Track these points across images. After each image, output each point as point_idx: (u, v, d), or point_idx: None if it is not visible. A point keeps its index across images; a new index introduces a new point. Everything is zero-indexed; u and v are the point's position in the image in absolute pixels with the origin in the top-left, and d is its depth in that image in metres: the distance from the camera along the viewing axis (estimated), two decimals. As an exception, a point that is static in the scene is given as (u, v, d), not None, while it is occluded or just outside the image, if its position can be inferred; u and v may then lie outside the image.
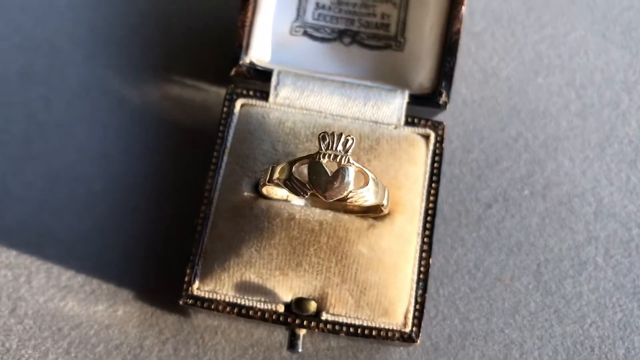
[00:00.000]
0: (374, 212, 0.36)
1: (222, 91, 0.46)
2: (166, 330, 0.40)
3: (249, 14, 0.41)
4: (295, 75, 0.41)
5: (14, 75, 0.46)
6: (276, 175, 0.34)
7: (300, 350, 0.37)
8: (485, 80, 0.48)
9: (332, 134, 0.33)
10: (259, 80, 0.41)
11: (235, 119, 0.40)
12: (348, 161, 0.32)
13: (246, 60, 0.42)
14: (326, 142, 0.33)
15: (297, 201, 0.37)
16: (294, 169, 0.33)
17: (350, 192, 0.32)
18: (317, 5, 0.45)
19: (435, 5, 0.43)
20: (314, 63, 0.44)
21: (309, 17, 0.45)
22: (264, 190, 0.36)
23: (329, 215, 0.36)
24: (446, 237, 0.43)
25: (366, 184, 0.33)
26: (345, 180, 0.32)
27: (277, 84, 0.40)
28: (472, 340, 0.41)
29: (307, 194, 0.32)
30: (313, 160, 0.32)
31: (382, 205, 0.34)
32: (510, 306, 0.42)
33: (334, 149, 0.33)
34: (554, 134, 0.47)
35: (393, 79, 0.43)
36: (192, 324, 0.40)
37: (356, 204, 0.33)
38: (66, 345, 0.39)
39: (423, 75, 0.42)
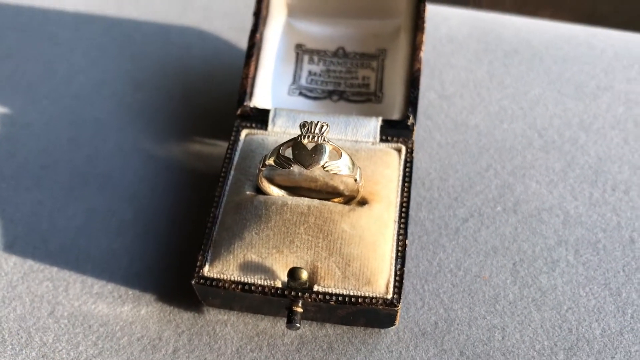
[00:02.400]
0: (353, 198, 0.43)
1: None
2: (182, 325, 0.45)
3: (252, 69, 0.52)
4: (289, 111, 0.50)
5: (64, 141, 0.56)
6: (268, 156, 0.41)
7: (298, 325, 0.41)
8: (457, 128, 0.57)
9: (311, 122, 0.41)
10: (260, 118, 0.50)
11: (240, 144, 0.49)
12: (324, 139, 0.40)
13: (250, 104, 0.51)
14: (306, 128, 0.41)
15: (290, 199, 0.44)
16: (281, 150, 0.41)
17: (326, 162, 0.40)
18: (310, 73, 0.56)
19: (404, 65, 0.53)
20: (305, 108, 0.53)
21: (303, 82, 0.55)
22: (262, 183, 0.43)
23: (316, 201, 0.43)
24: (429, 245, 0.49)
25: (339, 156, 0.40)
26: (321, 153, 0.40)
27: (274, 116, 0.50)
28: (457, 326, 0.45)
29: (291, 166, 0.40)
30: (296, 142, 0.40)
31: (356, 181, 0.41)
32: (490, 297, 0.46)
33: (312, 132, 0.41)
34: (521, 164, 0.54)
35: (367, 113, 0.52)
36: (205, 319, 0.45)
37: (332, 172, 0.40)
38: (94, 338, 0.45)
39: (395, 113, 0.51)
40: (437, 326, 0.45)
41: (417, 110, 0.50)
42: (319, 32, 0.56)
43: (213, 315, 0.45)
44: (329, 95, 0.55)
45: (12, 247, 0.49)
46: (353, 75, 0.55)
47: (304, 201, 0.43)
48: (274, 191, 0.44)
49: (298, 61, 0.56)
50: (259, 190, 0.45)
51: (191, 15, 0.64)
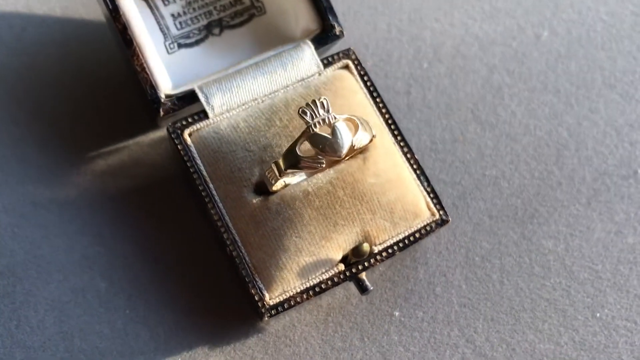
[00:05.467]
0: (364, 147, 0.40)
1: (139, 140, 0.47)
2: (256, 353, 0.42)
3: (140, 55, 0.42)
4: (216, 82, 0.42)
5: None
6: (283, 166, 0.36)
7: (371, 288, 0.41)
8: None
9: (308, 105, 0.36)
10: (188, 105, 0.42)
11: (193, 149, 0.41)
12: (335, 118, 0.36)
13: (161, 95, 0.43)
14: (308, 114, 0.36)
15: (296, 179, 0.40)
16: (297, 151, 0.36)
17: (352, 140, 0.36)
18: (173, 16, 0.46)
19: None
20: (206, 66, 0.45)
21: (173, 30, 0.46)
22: (275, 187, 0.38)
23: (331, 172, 0.40)
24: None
25: (356, 127, 0.37)
26: (344, 133, 0.36)
27: (207, 98, 0.42)
28: (470, 196, 0.48)
29: (323, 164, 0.36)
30: (310, 134, 0.36)
31: (374, 136, 0.38)
32: (476, 154, 0.49)
33: (318, 115, 0.36)
34: (412, 6, 0.53)
35: (279, 40, 0.46)
36: (271, 334, 0.43)
37: (358, 148, 0.37)
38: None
39: (302, 23, 0.46)
40: (457, 206, 0.47)
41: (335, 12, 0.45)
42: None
43: (275, 325, 0.43)
44: (208, 31, 0.47)
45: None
46: (216, -5, 0.47)
47: (321, 179, 0.39)
48: (279, 184, 0.40)
49: (154, 11, 0.46)
50: (260, 191, 0.40)
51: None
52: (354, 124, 0.37)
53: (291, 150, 0.36)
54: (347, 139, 0.36)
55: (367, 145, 0.39)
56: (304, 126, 0.37)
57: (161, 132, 0.47)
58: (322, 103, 0.36)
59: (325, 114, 0.36)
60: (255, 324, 0.42)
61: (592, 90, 0.52)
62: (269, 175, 0.37)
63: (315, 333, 0.43)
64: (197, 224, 0.44)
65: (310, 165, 0.36)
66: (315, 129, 0.36)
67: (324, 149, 0.36)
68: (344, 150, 0.36)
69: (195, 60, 0.45)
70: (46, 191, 0.45)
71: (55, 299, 0.42)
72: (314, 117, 0.36)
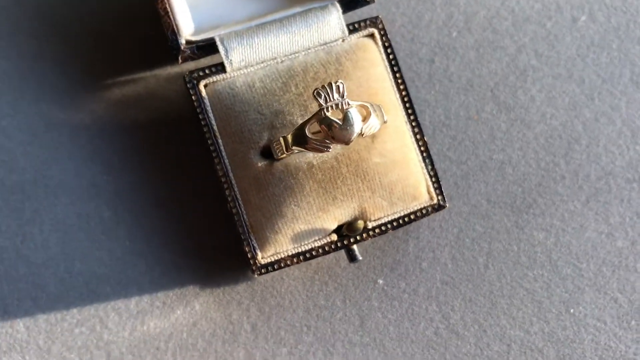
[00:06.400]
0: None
1: (157, 73, 0.47)
2: (243, 299, 0.45)
3: (166, -1, 0.41)
4: (238, 35, 0.42)
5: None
6: (291, 142, 0.37)
7: (360, 258, 0.43)
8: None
9: (324, 87, 0.36)
10: (207, 55, 0.42)
11: (207, 101, 0.42)
12: (348, 104, 0.36)
13: (182, 41, 0.42)
14: (322, 97, 0.36)
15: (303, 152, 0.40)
16: (306, 132, 0.36)
17: (362, 128, 0.36)
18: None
19: None
20: (232, 10, 0.44)
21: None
22: (282, 158, 0.39)
23: (338, 147, 0.40)
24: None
25: (368, 114, 0.37)
26: (355, 121, 0.36)
27: (226, 51, 0.42)
28: (473, 178, 0.48)
29: (329, 148, 0.36)
30: (321, 117, 0.36)
31: (385, 122, 0.39)
32: (487, 136, 0.49)
33: (332, 99, 0.36)
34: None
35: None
36: (261, 283, 0.45)
37: (368, 135, 0.37)
38: (171, 356, 0.44)
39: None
40: (458, 185, 0.48)
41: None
42: None
43: (265, 276, 0.45)
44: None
45: (7, 311, 0.43)
46: None
47: (327, 153, 0.40)
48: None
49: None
50: (266, 155, 0.41)
51: None
52: (367, 111, 0.37)
53: (300, 130, 0.36)
54: (357, 127, 0.36)
55: (376, 131, 0.39)
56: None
57: (179, 68, 0.47)
58: (337, 87, 0.36)
59: (340, 99, 0.36)
60: (246, 272, 0.45)
61: (617, 86, 0.51)
62: (276, 147, 0.38)
63: (301, 288, 0.45)
64: (203, 170, 0.45)
65: (316, 147, 0.36)
66: (327, 113, 0.36)
67: (332, 135, 0.36)
68: (352, 138, 0.36)
69: (222, 2, 0.45)
70: (60, 113, 0.46)
71: (60, 220, 0.44)
72: (328, 100, 0.36)
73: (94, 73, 0.46)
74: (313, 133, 0.37)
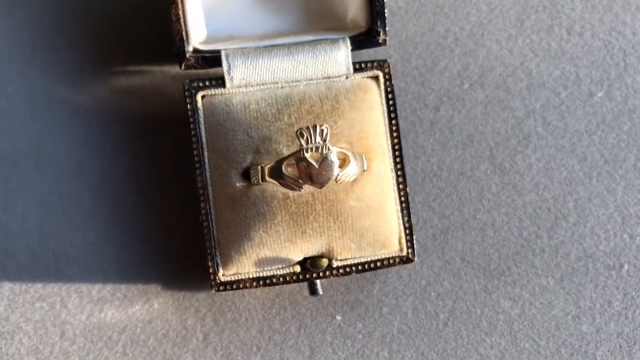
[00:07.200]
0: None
1: (166, 69, 0.48)
2: (201, 307, 0.45)
3: (179, 3, 0.42)
4: (243, 54, 0.42)
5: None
6: (267, 174, 0.37)
7: (321, 292, 0.43)
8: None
9: (308, 128, 0.36)
10: (210, 67, 0.43)
11: (201, 113, 0.42)
12: (328, 149, 0.36)
13: (189, 48, 0.43)
14: (305, 137, 0.36)
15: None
16: (283, 167, 0.36)
17: (337, 174, 0.37)
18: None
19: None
20: (247, 22, 0.45)
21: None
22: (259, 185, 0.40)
23: (311, 188, 0.41)
24: (408, 149, 0.48)
25: (347, 162, 0.37)
26: (331, 167, 0.36)
27: (229, 67, 0.42)
28: (452, 233, 0.48)
29: (301, 188, 0.37)
30: (299, 157, 0.36)
31: (364, 171, 0.39)
32: (476, 194, 0.49)
33: (313, 141, 0.36)
34: (477, 20, 0.51)
35: (326, 21, 0.45)
36: (221, 295, 0.46)
37: (344, 182, 0.37)
38: (121, 348, 0.45)
39: (354, 13, 0.44)
40: (435, 238, 0.48)
41: (386, 22, 0.44)
42: None
43: (226, 289, 0.46)
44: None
45: (-24, 272, 0.44)
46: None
47: (306, 188, 0.40)
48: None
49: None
50: (246, 177, 0.41)
51: None
52: (347, 159, 0.37)
53: (278, 165, 0.37)
54: (332, 172, 0.36)
55: (353, 179, 0.40)
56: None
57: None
58: (322, 131, 0.36)
59: (321, 143, 0.36)
60: (209, 283, 0.45)
61: (618, 170, 0.50)
62: (252, 173, 0.39)
63: (259, 308, 0.46)
64: (188, 176, 0.45)
65: (289, 185, 0.37)
66: (306, 154, 0.36)
67: (307, 176, 0.36)
68: (325, 184, 0.37)
69: (239, 11, 0.45)
70: (65, 91, 0.47)
71: (43, 196, 0.45)
72: (309, 142, 0.36)
73: (105, 57, 0.47)
74: (290, 170, 0.37)
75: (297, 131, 0.36)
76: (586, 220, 0.49)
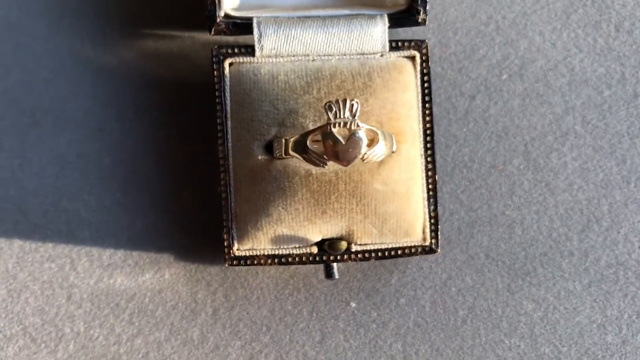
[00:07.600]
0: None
1: (196, 35, 0.46)
2: (213, 282, 0.44)
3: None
4: (276, 23, 0.41)
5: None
6: (291, 147, 0.36)
7: (337, 276, 0.41)
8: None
9: (337, 102, 0.34)
10: (240, 34, 0.41)
11: (227, 80, 0.41)
12: (357, 125, 0.35)
13: (221, 13, 0.41)
14: (333, 111, 0.34)
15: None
16: (308, 141, 0.35)
17: (365, 153, 0.35)
18: None
19: None
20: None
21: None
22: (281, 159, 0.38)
23: (336, 166, 0.39)
24: (439, 137, 0.46)
25: (376, 141, 0.35)
26: (359, 145, 0.35)
27: (260, 36, 0.41)
28: (479, 228, 0.46)
29: (326, 164, 0.35)
30: (325, 132, 0.34)
31: (393, 152, 0.37)
32: (506, 189, 0.47)
33: (341, 116, 0.34)
34: (521, 10, 0.49)
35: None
36: (235, 271, 0.44)
37: (371, 162, 0.35)
38: (127, 317, 0.43)
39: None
40: (461, 232, 0.46)
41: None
42: None
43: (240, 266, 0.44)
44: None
45: (-13, 227, 0.43)
46: None
47: (329, 166, 0.39)
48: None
49: None
50: (269, 150, 0.40)
51: None
52: (375, 137, 0.36)
53: (303, 138, 0.35)
54: (360, 150, 0.35)
55: (380, 159, 0.38)
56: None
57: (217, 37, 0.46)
58: (351, 105, 0.35)
59: (350, 118, 0.34)
60: (222, 257, 0.44)
61: (658, 176, 0.48)
62: (276, 146, 0.37)
63: (272, 287, 0.44)
64: (209, 146, 0.44)
65: (313, 161, 0.35)
66: (333, 129, 0.34)
67: (333, 152, 0.35)
68: (350, 162, 0.35)
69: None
70: (91, 51, 0.46)
71: (60, 155, 0.44)
72: (337, 116, 0.34)
73: (134, 20, 0.46)
74: (315, 145, 0.36)
75: (325, 104, 0.35)
76: (620, 226, 0.47)
